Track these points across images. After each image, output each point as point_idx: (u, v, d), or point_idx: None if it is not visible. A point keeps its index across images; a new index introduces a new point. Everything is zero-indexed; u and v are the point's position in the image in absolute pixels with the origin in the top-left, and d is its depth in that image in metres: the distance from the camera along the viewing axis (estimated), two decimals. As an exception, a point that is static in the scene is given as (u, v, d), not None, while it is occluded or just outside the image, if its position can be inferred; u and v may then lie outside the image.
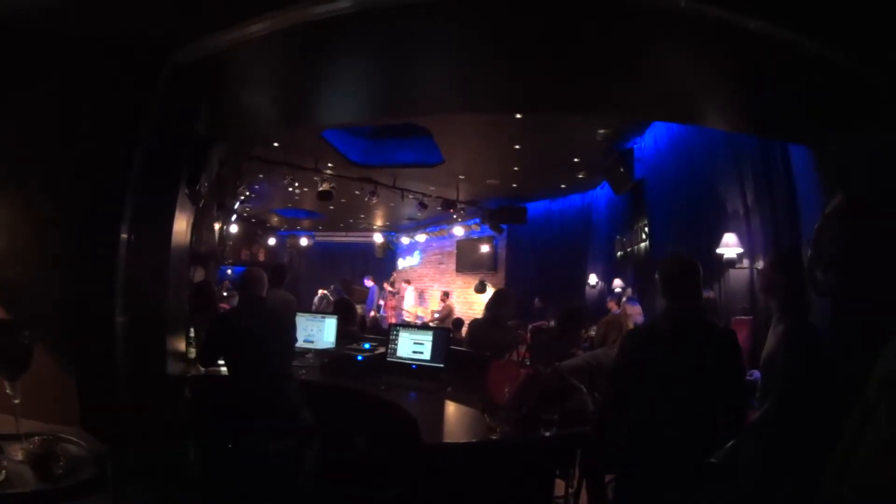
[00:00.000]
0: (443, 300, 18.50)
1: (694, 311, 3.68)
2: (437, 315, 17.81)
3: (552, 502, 4.45)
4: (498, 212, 16.35)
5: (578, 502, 4.74)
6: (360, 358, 5.84)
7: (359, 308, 10.62)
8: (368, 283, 20.16)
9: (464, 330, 10.18)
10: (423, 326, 10.91)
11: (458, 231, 19.28)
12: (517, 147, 11.31)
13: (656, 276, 3.78)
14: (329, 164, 13.13)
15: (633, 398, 3.60)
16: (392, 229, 23.25)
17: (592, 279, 15.00)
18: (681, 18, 2.69)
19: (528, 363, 4.94)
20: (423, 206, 15.28)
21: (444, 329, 7.34)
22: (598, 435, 4.07)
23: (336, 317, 6.64)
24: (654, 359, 3.54)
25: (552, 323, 8.83)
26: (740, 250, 7.39)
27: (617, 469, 3.86)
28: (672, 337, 3.56)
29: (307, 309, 11.41)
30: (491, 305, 6.60)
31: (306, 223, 22.92)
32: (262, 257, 21.99)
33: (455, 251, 20.79)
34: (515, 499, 3.92)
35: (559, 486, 4.62)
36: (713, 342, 3.55)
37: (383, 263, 23.38)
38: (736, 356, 3.54)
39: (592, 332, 9.01)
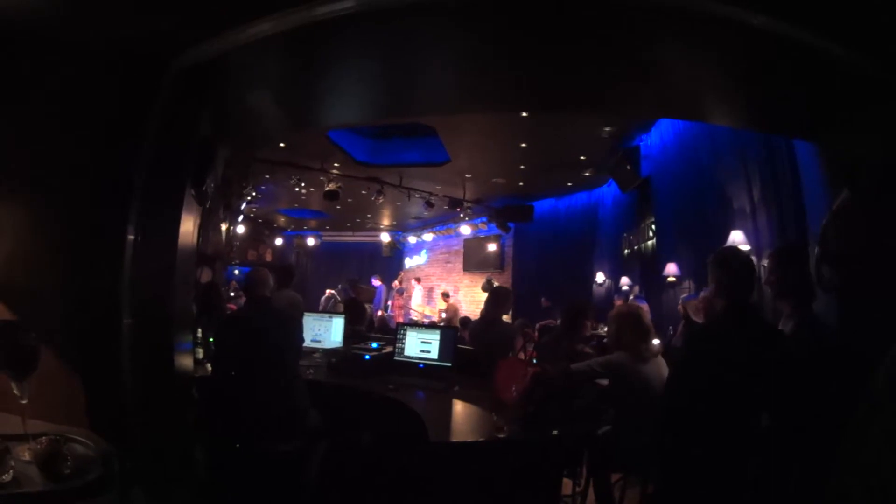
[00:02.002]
0: (445, 300, 18.51)
1: (756, 309, 3.69)
2: (444, 315, 17.82)
3: (559, 501, 4.44)
4: (504, 210, 16.37)
5: (586, 501, 4.73)
6: (367, 357, 5.85)
7: (367, 307, 10.65)
8: (376, 282, 20.18)
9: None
10: (431, 326, 10.92)
11: (465, 230, 19.28)
12: (523, 145, 11.31)
13: (717, 270, 3.73)
14: (335, 164, 13.14)
15: (703, 398, 3.55)
16: (399, 228, 23.27)
17: (599, 277, 15.00)
18: (686, 14, 2.69)
19: (535, 362, 4.93)
20: (429, 205, 15.29)
21: (452, 328, 7.34)
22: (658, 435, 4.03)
23: (343, 316, 6.67)
24: (729, 359, 3.47)
25: (559, 321, 8.81)
26: (747, 247, 7.36)
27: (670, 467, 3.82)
28: (746, 336, 3.54)
29: (314, 309, 11.43)
30: (489, 305, 6.58)
31: (313, 223, 22.95)
32: (268, 258, 22.06)
33: (462, 250, 20.83)
34: (522, 498, 3.92)
35: (566, 485, 4.62)
36: (776, 340, 3.57)
37: (390, 263, 23.42)
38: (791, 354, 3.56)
39: (602, 331, 9.02)
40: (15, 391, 2.01)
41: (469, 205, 16.63)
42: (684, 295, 8.85)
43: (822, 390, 3.39)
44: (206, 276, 8.58)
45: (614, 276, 14.20)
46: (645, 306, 9.68)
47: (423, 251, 23.34)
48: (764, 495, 3.51)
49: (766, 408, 3.47)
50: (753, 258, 7.14)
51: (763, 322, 3.71)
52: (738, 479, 3.42)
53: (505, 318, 6.90)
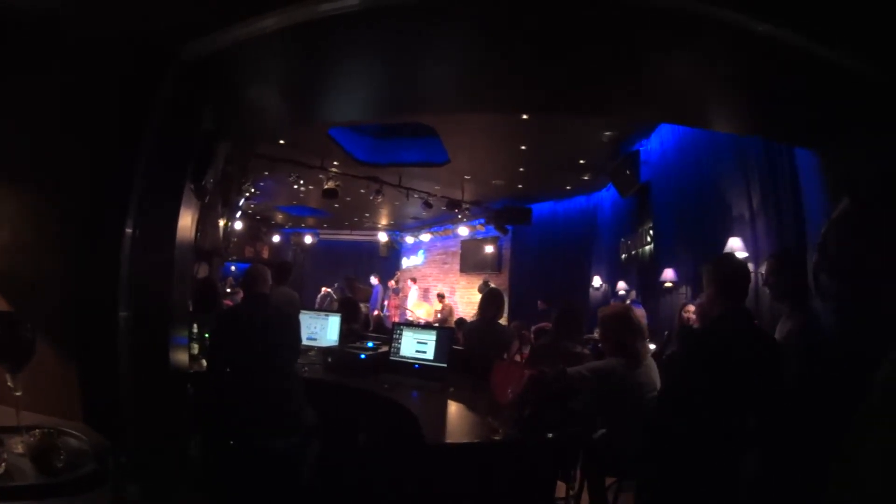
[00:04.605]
0: (440, 301, 18.51)
1: (750, 313, 3.73)
2: (439, 315, 17.82)
3: (553, 504, 4.44)
4: (503, 212, 16.39)
5: (579, 504, 4.73)
6: (363, 356, 5.84)
7: (363, 307, 10.64)
8: (374, 281, 20.19)
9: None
10: (427, 326, 10.92)
11: (463, 231, 19.27)
12: (523, 148, 11.33)
13: (715, 275, 3.77)
14: (335, 162, 13.14)
15: (701, 399, 3.54)
16: (397, 228, 23.31)
17: (596, 281, 15.03)
18: (688, 20, 2.68)
19: (525, 364, 4.92)
20: (428, 205, 15.31)
21: (448, 329, 7.33)
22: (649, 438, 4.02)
23: (339, 315, 6.66)
24: (726, 361, 3.50)
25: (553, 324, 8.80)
26: (745, 254, 7.35)
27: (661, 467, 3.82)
28: (743, 338, 3.58)
29: (311, 307, 11.43)
30: (485, 307, 6.57)
31: (311, 221, 22.97)
32: (266, 254, 22.06)
33: (459, 251, 20.84)
34: (516, 500, 3.91)
35: (560, 488, 4.61)
36: (769, 344, 3.59)
37: (387, 262, 23.43)
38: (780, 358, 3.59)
39: (596, 335, 9.01)
40: (9, 383, 2.00)
41: (467, 206, 16.65)
42: (683, 301, 8.84)
43: (820, 391, 3.41)
44: (203, 271, 8.58)
45: (611, 281, 14.20)
46: (641, 311, 9.70)
47: (421, 251, 23.36)
48: (763, 497, 3.52)
49: (761, 408, 3.49)
50: (751, 265, 7.16)
51: (757, 325, 3.75)
52: (733, 479, 3.44)
53: (501, 320, 6.89)
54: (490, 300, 6.61)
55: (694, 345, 4.08)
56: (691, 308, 7.62)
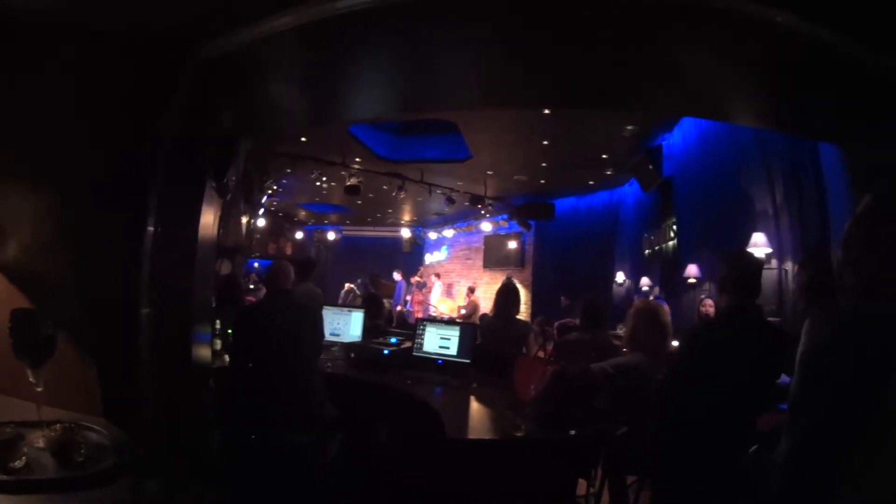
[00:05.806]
0: (468, 295, 18.49)
1: (758, 308, 3.71)
2: (463, 311, 17.82)
3: (574, 501, 4.42)
4: (525, 208, 16.36)
5: (600, 502, 4.70)
6: (386, 352, 5.86)
7: (386, 302, 10.66)
8: (397, 276, 20.21)
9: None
10: (450, 321, 10.93)
11: (486, 227, 19.29)
12: (545, 143, 11.30)
13: (724, 269, 3.77)
14: (357, 159, 13.17)
15: (699, 391, 3.56)
16: (419, 224, 23.32)
17: (620, 277, 14.99)
18: (709, 12, 2.66)
19: (551, 359, 4.90)
20: (450, 201, 15.32)
21: (471, 324, 7.34)
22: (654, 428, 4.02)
23: (363, 310, 6.67)
24: (734, 358, 3.50)
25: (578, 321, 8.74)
26: (769, 250, 7.29)
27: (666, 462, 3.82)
28: (745, 331, 3.59)
29: (334, 302, 11.47)
30: (503, 302, 6.52)
31: (333, 217, 23.06)
32: (288, 251, 22.16)
33: (482, 247, 20.85)
34: (537, 497, 3.91)
35: (581, 486, 4.60)
36: (775, 339, 3.58)
37: (410, 258, 23.45)
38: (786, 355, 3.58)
39: (619, 331, 8.98)
40: (31, 378, 2.02)
41: (490, 202, 16.67)
42: (703, 296, 8.81)
43: (841, 393, 3.37)
44: (226, 268, 8.66)
45: (634, 277, 14.16)
46: (665, 307, 9.64)
47: (444, 247, 23.38)
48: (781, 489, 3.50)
49: (767, 401, 3.49)
50: (774, 261, 7.11)
51: (764, 319, 3.74)
52: (733, 472, 3.43)
53: (519, 316, 6.86)
54: (504, 295, 6.55)
55: (693, 335, 4.09)
56: (709, 302, 7.59)
